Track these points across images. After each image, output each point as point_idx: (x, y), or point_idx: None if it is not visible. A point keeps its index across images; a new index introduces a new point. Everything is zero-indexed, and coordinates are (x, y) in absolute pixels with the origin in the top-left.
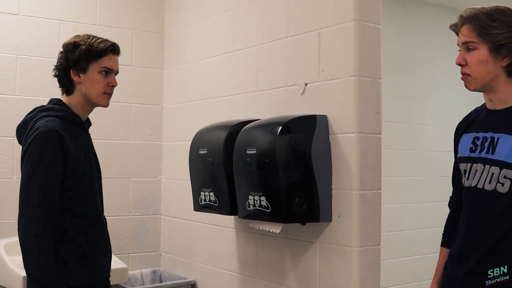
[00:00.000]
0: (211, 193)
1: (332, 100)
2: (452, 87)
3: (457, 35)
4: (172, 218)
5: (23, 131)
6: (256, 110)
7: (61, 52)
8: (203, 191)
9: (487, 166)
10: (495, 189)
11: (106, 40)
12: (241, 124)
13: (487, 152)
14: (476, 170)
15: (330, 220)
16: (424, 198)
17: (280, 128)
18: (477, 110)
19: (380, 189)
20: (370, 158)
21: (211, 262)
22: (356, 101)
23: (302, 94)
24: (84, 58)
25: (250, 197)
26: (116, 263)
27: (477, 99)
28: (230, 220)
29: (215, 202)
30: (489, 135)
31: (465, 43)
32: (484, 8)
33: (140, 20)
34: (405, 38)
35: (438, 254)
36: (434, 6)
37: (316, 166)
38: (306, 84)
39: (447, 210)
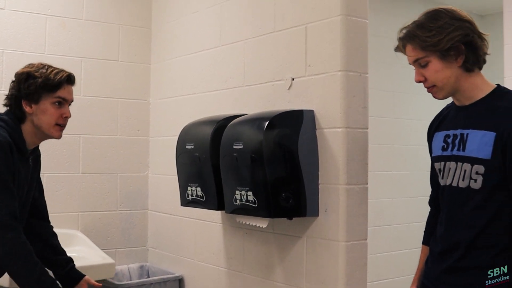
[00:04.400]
0: (198, 188)
1: (319, 95)
2: None
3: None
4: (159, 213)
5: None
6: (243, 105)
7: (13, 82)
8: (190, 186)
9: (460, 164)
10: (468, 186)
11: (62, 71)
12: (228, 119)
13: (458, 149)
14: (450, 168)
15: (317, 215)
16: (411, 192)
17: (267, 123)
18: (447, 107)
19: (367, 183)
20: (357, 152)
21: (198, 257)
22: (343, 96)
23: (289, 89)
24: (39, 91)
25: (237, 192)
26: (103, 258)
27: None
28: (217, 215)
29: (202, 197)
30: (458, 132)
31: (415, 61)
32: (416, 21)
33: (127, 15)
34: (392, 32)
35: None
36: (421, 0)
37: (303, 161)
38: (293, 79)
39: None
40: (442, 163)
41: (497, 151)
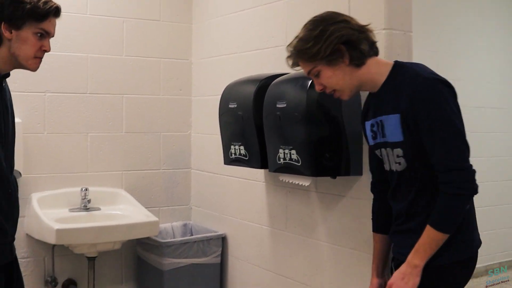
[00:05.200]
0: (241, 147)
1: None
2: (486, 44)
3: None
4: (202, 172)
5: None
6: (286, 64)
7: None
8: (233, 145)
9: (388, 149)
10: (396, 169)
11: (51, 1)
12: (271, 78)
13: (382, 137)
14: (383, 154)
15: (361, 174)
16: None
17: (310, 81)
18: (369, 94)
19: None
20: None
21: (241, 215)
22: (386, 55)
23: None
24: (24, 17)
25: (281, 150)
26: (147, 216)
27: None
28: (260, 173)
29: (245, 156)
30: (378, 119)
31: (309, 73)
32: (297, 36)
33: None
34: None
35: None
36: None
37: (347, 120)
38: None
39: (484, 167)
40: (378, 151)
41: (405, 130)
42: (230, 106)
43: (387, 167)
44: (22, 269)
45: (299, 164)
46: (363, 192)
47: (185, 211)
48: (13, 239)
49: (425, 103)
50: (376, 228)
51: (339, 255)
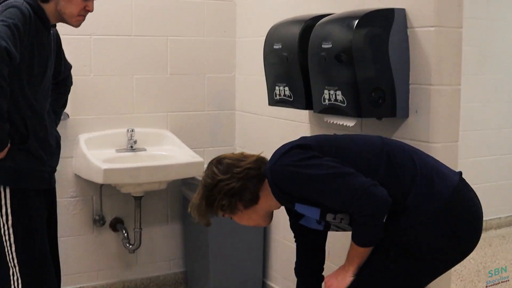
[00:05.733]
0: (286, 88)
1: None
2: None
3: None
4: (247, 113)
5: None
6: (331, 4)
7: None
8: (277, 85)
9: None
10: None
11: None
12: (316, 18)
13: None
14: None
15: (407, 116)
16: (504, 97)
17: (357, 21)
18: None
19: (460, 84)
20: (450, 53)
21: None
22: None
23: None
24: None
25: (326, 91)
26: (192, 156)
27: None
28: (304, 114)
29: (290, 97)
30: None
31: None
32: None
33: None
34: None
35: None
36: None
37: (393, 61)
38: None
39: None
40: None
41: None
42: (274, 47)
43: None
44: (71, 208)
45: (344, 105)
46: (410, 134)
47: (229, 151)
48: (53, 170)
49: (290, 187)
50: None
51: None
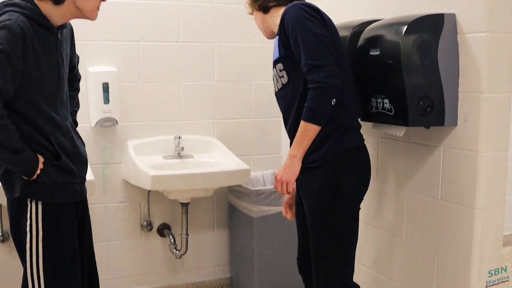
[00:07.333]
0: None
1: None
2: None
3: None
4: None
5: None
6: (379, 10)
7: None
8: None
9: (275, 69)
10: (282, 83)
11: None
12: (364, 24)
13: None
14: (273, 76)
15: (456, 124)
16: None
17: (405, 27)
18: None
19: (511, 92)
20: (502, 59)
21: None
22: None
23: None
24: None
25: (373, 99)
26: (238, 164)
27: None
28: None
29: None
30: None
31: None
32: None
33: None
34: None
35: None
36: None
37: (443, 68)
38: None
39: None
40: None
41: (281, 48)
42: None
43: (275, 89)
44: (119, 213)
45: (392, 113)
46: (458, 142)
47: (275, 159)
48: (83, 180)
49: (289, 21)
50: None
51: (429, 206)
